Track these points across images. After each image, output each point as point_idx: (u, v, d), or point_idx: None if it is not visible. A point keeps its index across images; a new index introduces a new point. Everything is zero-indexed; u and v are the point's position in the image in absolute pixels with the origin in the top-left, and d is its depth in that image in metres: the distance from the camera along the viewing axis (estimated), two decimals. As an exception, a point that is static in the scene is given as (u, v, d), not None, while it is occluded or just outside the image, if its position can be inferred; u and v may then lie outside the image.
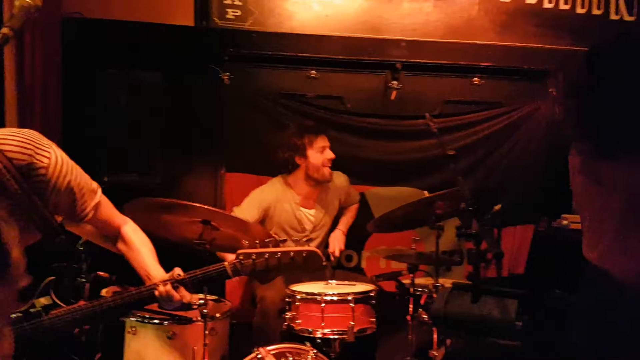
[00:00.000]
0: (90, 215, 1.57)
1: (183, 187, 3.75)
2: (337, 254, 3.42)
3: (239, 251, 1.71)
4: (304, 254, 1.73)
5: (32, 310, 1.54)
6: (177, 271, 1.68)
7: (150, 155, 3.80)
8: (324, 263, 3.33)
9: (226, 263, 1.71)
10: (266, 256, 1.70)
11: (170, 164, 3.79)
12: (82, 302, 1.57)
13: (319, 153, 3.32)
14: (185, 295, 1.66)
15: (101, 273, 2.66)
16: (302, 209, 3.42)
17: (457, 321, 2.08)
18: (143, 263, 1.70)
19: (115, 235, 1.73)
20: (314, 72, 3.87)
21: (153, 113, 3.77)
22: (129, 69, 3.74)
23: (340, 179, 3.55)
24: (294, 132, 3.38)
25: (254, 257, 1.70)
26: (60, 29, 3.30)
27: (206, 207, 2.45)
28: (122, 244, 1.73)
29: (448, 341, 2.44)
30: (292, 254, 1.72)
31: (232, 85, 3.72)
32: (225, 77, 3.70)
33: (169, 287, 1.64)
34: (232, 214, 3.26)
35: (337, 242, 3.47)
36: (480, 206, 3.19)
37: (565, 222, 3.69)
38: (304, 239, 3.43)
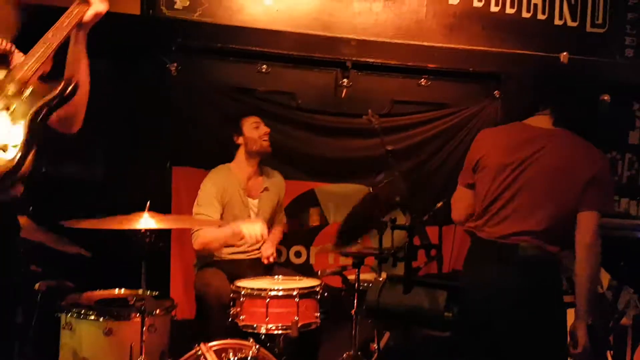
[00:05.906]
0: None
1: (128, 180, 3.64)
2: (271, 259, 3.37)
3: None
4: None
5: None
6: None
7: (95, 147, 3.67)
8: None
9: None
10: None
11: (114, 155, 3.68)
12: None
13: (254, 129, 3.39)
14: None
15: (34, 268, 2.59)
16: (248, 198, 3.40)
17: (390, 312, 2.11)
18: None
19: None
20: (265, 66, 3.84)
21: (98, 103, 3.62)
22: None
23: (279, 177, 3.59)
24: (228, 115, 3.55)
25: None
26: None
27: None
28: None
29: (387, 334, 2.47)
30: None
31: (181, 77, 3.64)
32: (173, 68, 3.61)
33: None
34: (196, 213, 3.21)
35: (269, 247, 3.40)
36: (424, 204, 3.26)
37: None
38: None
